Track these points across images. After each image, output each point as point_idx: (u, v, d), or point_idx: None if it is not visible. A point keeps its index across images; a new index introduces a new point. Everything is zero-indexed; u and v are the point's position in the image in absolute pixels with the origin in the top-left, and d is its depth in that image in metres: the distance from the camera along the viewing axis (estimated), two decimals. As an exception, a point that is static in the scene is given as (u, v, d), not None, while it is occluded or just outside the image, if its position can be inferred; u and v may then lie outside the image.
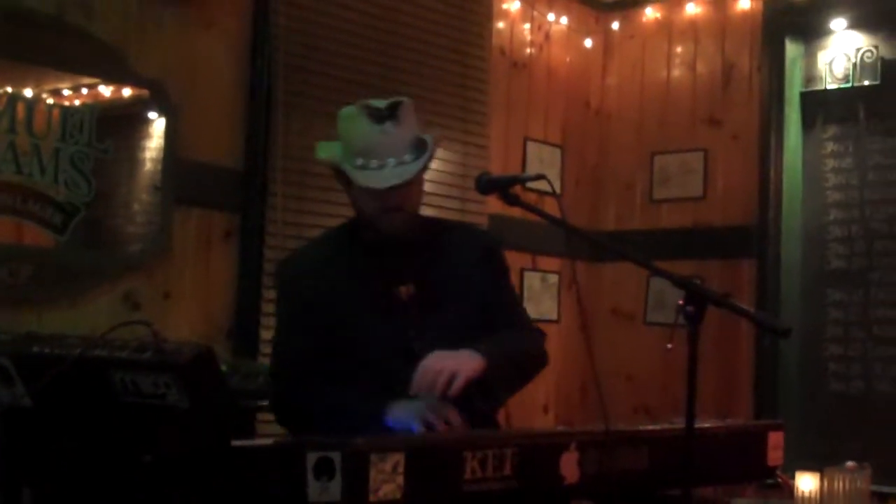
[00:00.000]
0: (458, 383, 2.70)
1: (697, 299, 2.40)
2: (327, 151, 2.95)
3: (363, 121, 2.83)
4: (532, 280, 5.67)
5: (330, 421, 2.77)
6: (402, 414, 2.73)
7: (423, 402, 2.75)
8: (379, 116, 2.82)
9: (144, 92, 4.13)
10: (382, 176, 2.81)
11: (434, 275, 2.98)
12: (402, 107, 2.86)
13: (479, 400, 2.87)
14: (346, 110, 2.90)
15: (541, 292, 5.71)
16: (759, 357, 5.47)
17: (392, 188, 2.82)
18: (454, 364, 2.72)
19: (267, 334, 4.22)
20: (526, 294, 5.63)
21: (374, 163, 2.81)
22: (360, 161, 2.83)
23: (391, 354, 2.85)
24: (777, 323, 2.92)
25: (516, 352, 2.96)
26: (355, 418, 2.75)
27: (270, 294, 4.27)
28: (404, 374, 2.76)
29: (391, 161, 2.81)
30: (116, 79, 4.06)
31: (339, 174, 2.92)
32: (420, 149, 2.88)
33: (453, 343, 2.79)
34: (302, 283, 2.95)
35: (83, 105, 3.95)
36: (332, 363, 2.88)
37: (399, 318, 2.89)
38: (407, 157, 2.84)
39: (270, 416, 3.88)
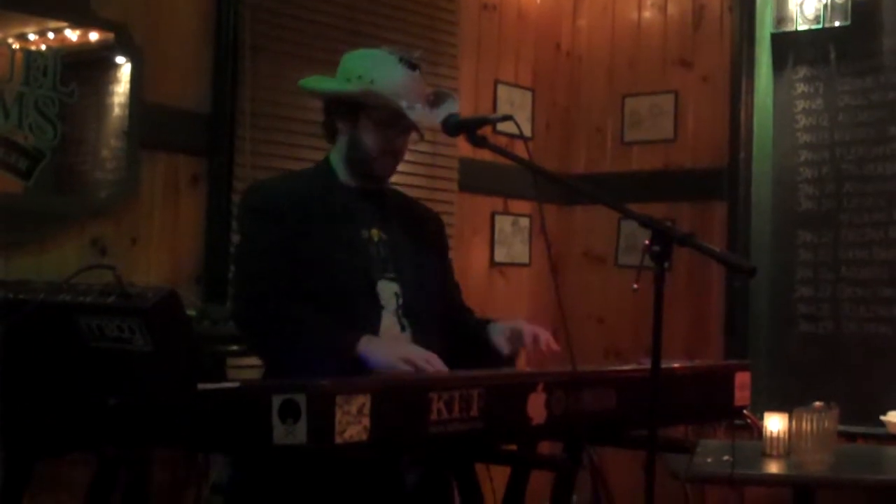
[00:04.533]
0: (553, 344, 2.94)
1: (663, 239, 2.42)
2: (330, 86, 3.03)
3: (397, 65, 2.97)
4: (503, 223, 5.66)
5: (297, 339, 2.77)
6: (383, 351, 2.74)
7: (404, 342, 2.85)
8: (412, 64, 2.98)
9: (110, 36, 4.06)
10: (426, 115, 2.97)
11: (404, 226, 3.06)
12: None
13: None
14: (367, 52, 3.04)
15: (512, 236, 5.70)
16: (729, 299, 5.49)
17: (402, 133, 2.97)
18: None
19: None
20: (497, 238, 5.63)
21: (404, 103, 2.92)
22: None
23: (355, 288, 2.89)
24: (742, 262, 2.93)
25: None
26: (324, 344, 2.75)
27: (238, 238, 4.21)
28: (365, 308, 2.86)
29: (418, 107, 2.94)
30: (81, 22, 3.99)
31: (343, 113, 2.99)
32: (436, 99, 3.03)
33: (419, 281, 2.95)
34: (277, 206, 2.93)
35: (47, 49, 3.89)
36: (300, 289, 2.87)
37: (366, 255, 2.94)
38: (426, 107, 2.99)
39: (241, 362, 3.91)
